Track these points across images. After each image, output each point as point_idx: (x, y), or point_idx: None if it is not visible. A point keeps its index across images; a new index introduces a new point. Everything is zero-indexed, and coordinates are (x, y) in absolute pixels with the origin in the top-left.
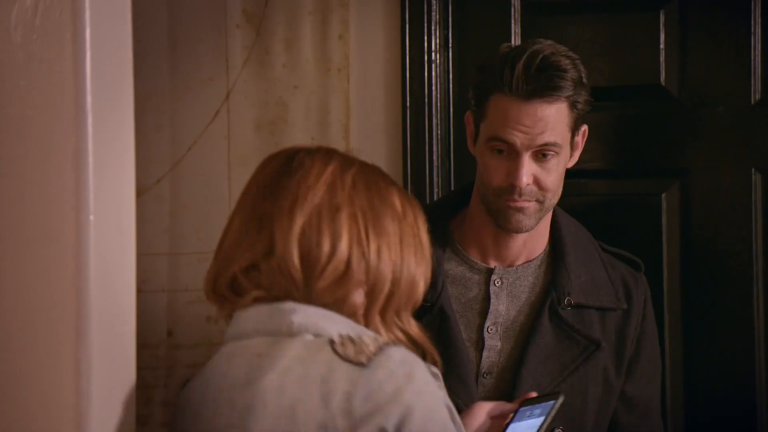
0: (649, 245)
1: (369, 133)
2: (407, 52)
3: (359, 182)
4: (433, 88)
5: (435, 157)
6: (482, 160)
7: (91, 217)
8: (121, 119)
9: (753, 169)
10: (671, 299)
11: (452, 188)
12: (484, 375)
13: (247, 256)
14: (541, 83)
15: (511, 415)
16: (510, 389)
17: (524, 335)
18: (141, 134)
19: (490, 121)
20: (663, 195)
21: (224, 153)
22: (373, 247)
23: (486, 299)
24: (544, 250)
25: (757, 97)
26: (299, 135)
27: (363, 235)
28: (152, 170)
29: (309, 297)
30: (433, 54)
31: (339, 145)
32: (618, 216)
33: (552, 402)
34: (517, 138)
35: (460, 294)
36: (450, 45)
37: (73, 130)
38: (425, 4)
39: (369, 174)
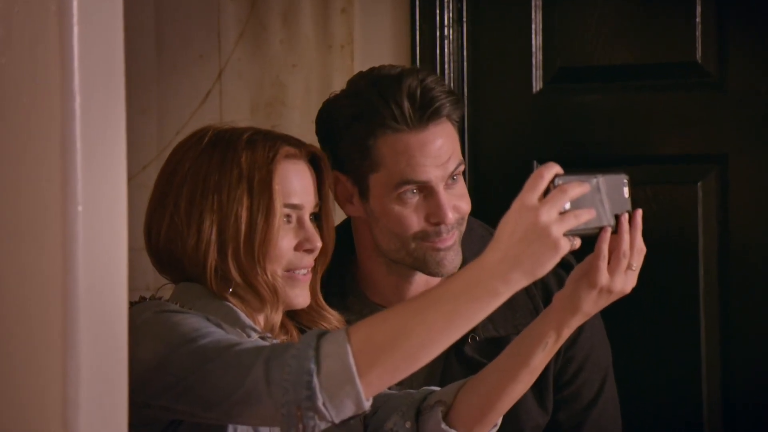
0: (683, 239)
1: None
2: (417, 27)
3: None
4: (446, 66)
5: None
6: (388, 211)
7: (80, 208)
8: (111, 101)
9: None
10: (708, 297)
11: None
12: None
13: None
14: (431, 107)
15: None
16: None
17: (432, 381)
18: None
19: (388, 166)
20: (699, 183)
21: None
22: None
23: None
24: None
25: None
26: (298, 118)
27: None
28: (137, 156)
29: None
30: (445, 29)
31: None
32: (649, 207)
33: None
34: (431, 173)
35: None
36: (464, 19)
37: (59, 112)
38: None
39: None
